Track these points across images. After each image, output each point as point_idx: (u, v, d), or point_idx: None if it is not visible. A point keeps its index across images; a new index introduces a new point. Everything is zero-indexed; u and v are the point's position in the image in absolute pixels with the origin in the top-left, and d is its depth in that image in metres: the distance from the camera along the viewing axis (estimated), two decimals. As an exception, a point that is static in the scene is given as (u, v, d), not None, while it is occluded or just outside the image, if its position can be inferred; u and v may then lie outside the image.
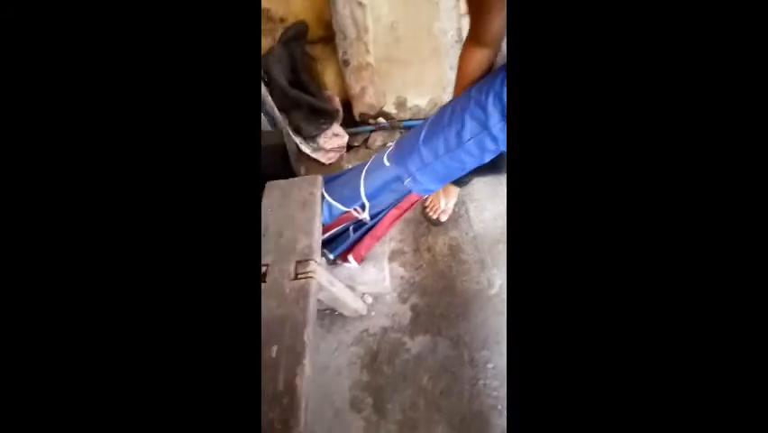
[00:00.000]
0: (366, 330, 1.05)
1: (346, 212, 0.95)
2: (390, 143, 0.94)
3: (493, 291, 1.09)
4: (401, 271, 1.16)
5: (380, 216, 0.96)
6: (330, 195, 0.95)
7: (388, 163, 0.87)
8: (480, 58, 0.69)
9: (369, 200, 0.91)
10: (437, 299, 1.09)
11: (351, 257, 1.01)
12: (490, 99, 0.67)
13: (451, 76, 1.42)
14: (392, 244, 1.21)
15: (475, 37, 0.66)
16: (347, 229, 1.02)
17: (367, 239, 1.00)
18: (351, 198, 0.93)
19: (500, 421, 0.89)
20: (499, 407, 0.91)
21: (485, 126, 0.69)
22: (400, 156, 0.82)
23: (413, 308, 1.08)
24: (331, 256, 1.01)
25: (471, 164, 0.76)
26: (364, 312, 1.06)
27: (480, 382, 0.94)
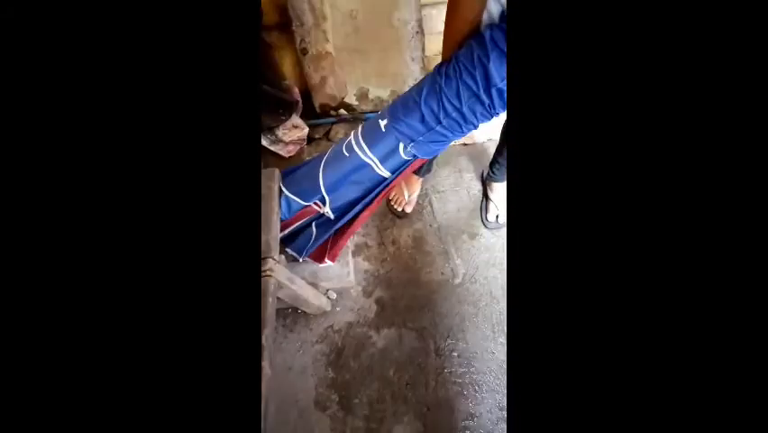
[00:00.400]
0: (330, 327, 1.03)
1: (306, 206, 0.92)
2: (350, 136, 0.91)
3: (457, 281, 1.11)
4: (366, 264, 1.14)
5: (350, 214, 0.93)
6: (288, 188, 0.91)
7: (347, 153, 0.84)
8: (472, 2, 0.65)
9: (328, 193, 0.88)
10: (402, 291, 1.09)
11: (327, 259, 0.97)
12: (478, 70, 0.67)
13: (413, 68, 1.41)
14: (356, 238, 1.19)
15: None
16: (309, 224, 0.98)
17: (340, 239, 0.97)
18: (309, 192, 0.89)
19: (464, 407, 0.91)
20: (464, 392, 0.93)
21: (476, 94, 0.69)
22: (396, 124, 0.77)
23: (378, 301, 1.07)
24: (300, 258, 0.97)
25: (467, 129, 0.76)
26: (328, 308, 1.03)
27: (446, 370, 0.95)
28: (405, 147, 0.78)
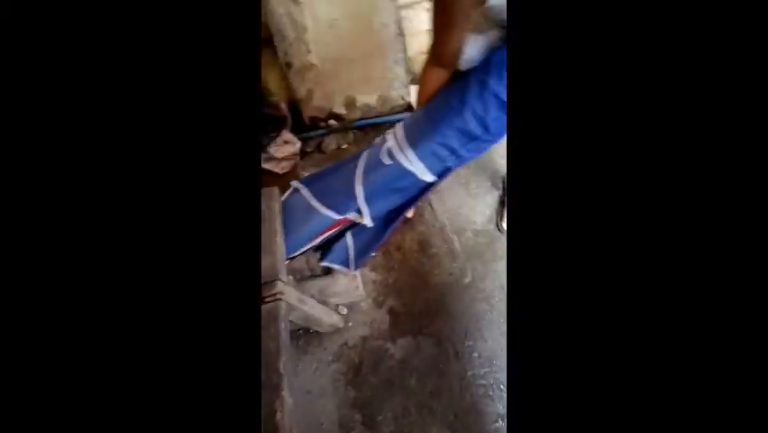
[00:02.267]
0: (345, 343, 1.00)
1: (339, 219, 0.87)
2: (378, 138, 0.84)
3: (467, 280, 1.09)
4: (373, 275, 1.12)
5: (395, 223, 0.88)
6: (318, 200, 0.85)
7: (388, 161, 0.78)
8: (440, 77, 0.75)
9: (368, 203, 0.82)
10: (413, 297, 1.07)
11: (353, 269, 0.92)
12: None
13: (396, 70, 1.40)
14: (360, 248, 1.17)
15: (436, 57, 0.71)
16: (342, 234, 0.92)
17: (373, 249, 0.92)
18: (344, 204, 0.83)
19: (492, 408, 0.88)
20: (490, 393, 0.90)
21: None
22: (436, 136, 0.75)
23: (390, 311, 1.05)
24: (354, 271, 0.91)
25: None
26: (341, 325, 1.01)
27: (468, 373, 0.93)
28: (448, 156, 0.76)
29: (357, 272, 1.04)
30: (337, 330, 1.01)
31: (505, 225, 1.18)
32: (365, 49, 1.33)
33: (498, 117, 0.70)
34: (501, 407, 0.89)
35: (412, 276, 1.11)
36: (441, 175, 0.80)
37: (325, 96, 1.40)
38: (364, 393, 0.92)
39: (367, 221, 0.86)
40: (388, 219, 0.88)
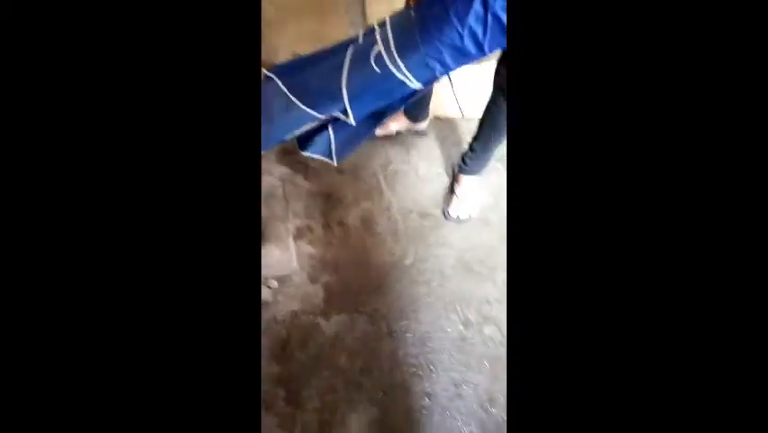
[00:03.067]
0: (273, 318, 0.93)
1: (323, 118, 0.80)
2: (362, 35, 0.78)
3: (408, 262, 1.07)
4: (309, 249, 1.06)
5: (378, 124, 0.86)
6: (297, 96, 0.77)
7: (378, 69, 0.74)
8: None
9: (351, 104, 0.78)
10: (351, 274, 1.03)
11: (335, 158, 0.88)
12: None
13: (351, 33, 1.31)
14: (297, 221, 1.09)
15: None
16: (324, 126, 0.86)
17: (355, 144, 0.89)
18: (328, 105, 0.78)
19: (420, 387, 0.89)
20: (420, 373, 0.90)
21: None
22: (431, 48, 0.71)
23: (325, 286, 1.00)
24: (335, 163, 0.87)
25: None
26: (269, 299, 0.94)
27: (400, 352, 0.92)
28: (438, 68, 0.73)
29: (291, 244, 0.97)
30: (265, 304, 0.94)
31: (451, 212, 1.17)
32: (320, 5, 1.21)
33: (496, 40, 0.69)
34: (428, 385, 0.89)
35: (352, 253, 1.07)
36: (427, 83, 0.78)
37: (267, 49, 1.27)
38: (289, 369, 0.87)
39: (352, 121, 0.81)
40: (371, 120, 0.86)
